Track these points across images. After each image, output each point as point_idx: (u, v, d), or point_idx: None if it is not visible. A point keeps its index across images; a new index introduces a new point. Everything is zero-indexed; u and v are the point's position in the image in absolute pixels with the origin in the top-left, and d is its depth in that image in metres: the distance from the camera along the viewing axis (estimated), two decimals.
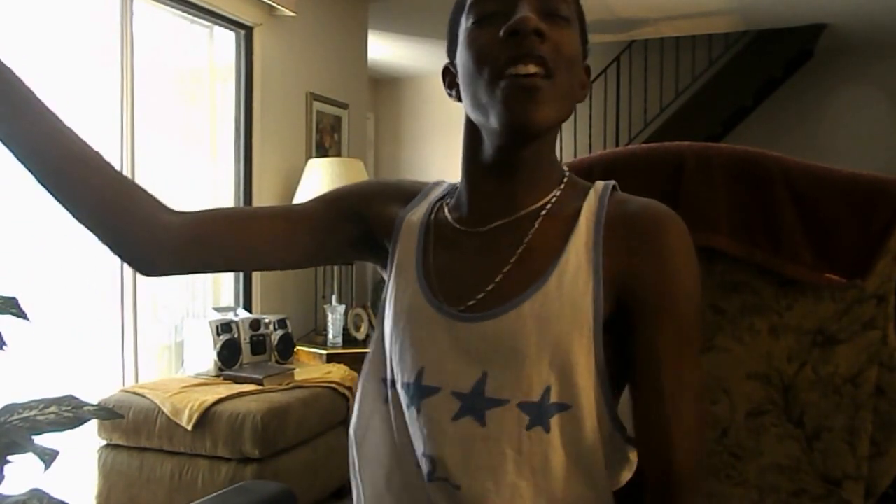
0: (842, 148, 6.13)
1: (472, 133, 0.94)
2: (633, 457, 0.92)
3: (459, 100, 0.94)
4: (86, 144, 0.89)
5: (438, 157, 6.87)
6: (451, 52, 0.96)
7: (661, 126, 6.49)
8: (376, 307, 4.60)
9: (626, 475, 0.92)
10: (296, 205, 1.05)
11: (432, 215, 0.98)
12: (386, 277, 1.00)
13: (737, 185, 1.13)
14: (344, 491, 3.11)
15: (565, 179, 0.96)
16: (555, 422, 0.86)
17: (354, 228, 1.02)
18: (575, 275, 0.87)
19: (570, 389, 0.86)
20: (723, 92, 6.35)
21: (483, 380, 0.87)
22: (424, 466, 0.89)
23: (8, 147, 0.84)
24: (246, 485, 1.30)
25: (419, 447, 0.90)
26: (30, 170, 0.85)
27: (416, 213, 1.00)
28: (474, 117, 0.91)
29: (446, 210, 0.98)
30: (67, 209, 0.88)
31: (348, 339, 3.79)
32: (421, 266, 0.95)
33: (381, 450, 0.95)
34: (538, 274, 0.88)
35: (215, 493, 1.17)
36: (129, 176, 2.98)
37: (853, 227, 1.08)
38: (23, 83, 0.84)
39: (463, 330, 0.89)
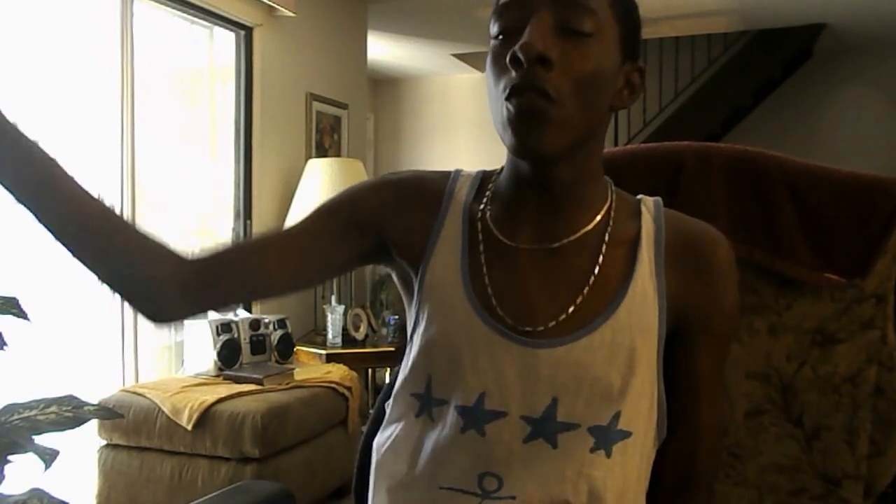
0: (841, 148, 6.13)
1: None
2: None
3: None
4: (93, 201, 0.87)
5: (438, 158, 6.87)
6: None
7: (661, 126, 6.49)
8: (375, 307, 4.60)
9: None
10: (304, 224, 0.97)
11: (475, 225, 0.93)
12: (413, 290, 0.95)
13: (736, 184, 1.13)
14: (344, 490, 3.11)
15: (613, 195, 0.94)
16: (617, 448, 0.86)
17: (368, 243, 0.96)
18: (643, 302, 0.88)
19: (634, 417, 0.87)
20: (722, 92, 6.35)
21: (554, 405, 0.86)
22: (486, 485, 0.87)
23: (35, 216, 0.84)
24: (245, 485, 1.30)
25: (479, 466, 0.87)
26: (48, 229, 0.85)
27: (450, 225, 0.94)
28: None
29: (489, 221, 0.93)
30: (77, 259, 0.88)
31: (348, 339, 3.80)
32: (469, 283, 0.90)
33: (401, 460, 0.93)
34: (607, 300, 0.88)
35: (214, 493, 1.17)
36: (129, 176, 2.99)
37: (852, 226, 1.08)
38: (43, 159, 0.82)
39: (531, 355, 0.87)
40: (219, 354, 3.01)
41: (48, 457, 1.59)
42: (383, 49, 5.81)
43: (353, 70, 4.65)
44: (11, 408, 1.64)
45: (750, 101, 6.44)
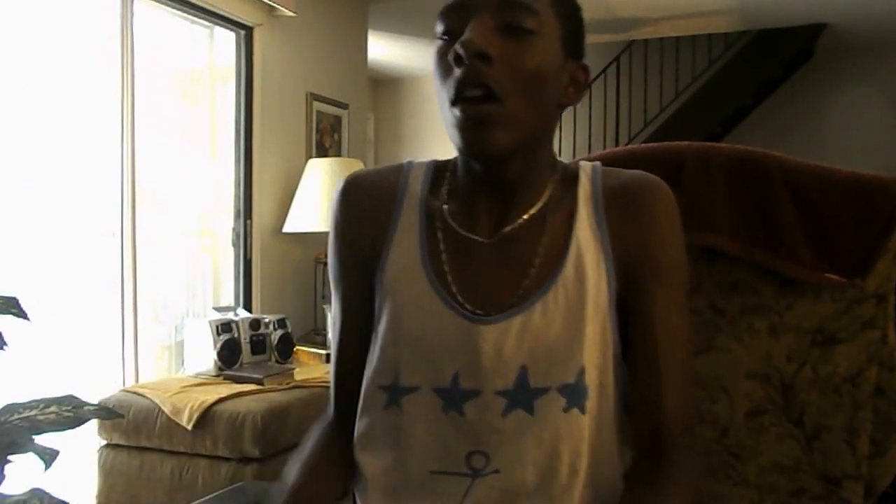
0: (842, 148, 6.13)
1: None
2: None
3: None
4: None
5: (438, 158, 6.87)
6: None
7: (661, 126, 6.49)
8: None
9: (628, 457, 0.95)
10: (349, 316, 1.00)
11: (433, 219, 0.96)
12: (375, 287, 0.97)
13: (737, 184, 1.13)
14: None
15: (558, 172, 0.97)
16: (589, 404, 0.89)
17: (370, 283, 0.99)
18: (586, 255, 0.91)
19: (601, 369, 0.90)
20: (723, 92, 6.35)
21: (524, 374, 0.89)
22: (475, 463, 0.90)
23: None
24: (244, 485, 1.30)
25: (465, 447, 0.90)
26: None
27: (407, 218, 0.97)
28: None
29: (447, 217, 0.95)
30: None
31: None
32: (431, 271, 0.93)
33: (384, 454, 0.94)
34: (554, 265, 0.91)
35: (213, 494, 1.17)
36: (129, 176, 2.98)
37: (853, 226, 1.08)
38: None
39: (493, 331, 0.89)
40: (219, 354, 3.01)
41: (48, 457, 1.59)
42: (383, 49, 5.81)
43: (353, 70, 4.65)
44: (11, 408, 1.64)
45: (750, 100, 6.44)
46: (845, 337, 1.08)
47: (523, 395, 0.89)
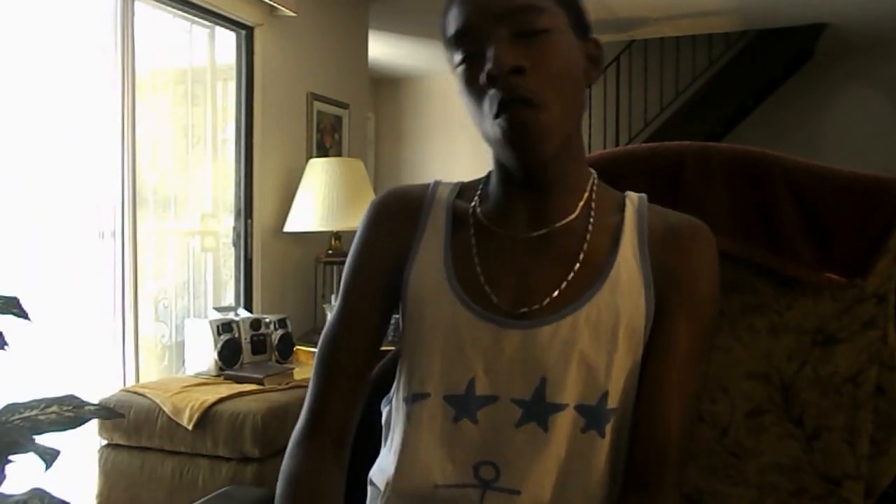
0: (842, 147, 6.13)
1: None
2: None
3: None
4: None
5: (439, 157, 6.88)
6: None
7: (661, 126, 6.49)
8: None
9: None
10: (359, 324, 0.98)
11: (465, 219, 0.96)
12: (400, 296, 0.96)
13: (737, 184, 1.13)
14: None
15: (595, 184, 0.97)
16: (609, 428, 0.87)
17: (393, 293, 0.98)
18: (627, 282, 0.90)
19: (622, 395, 0.88)
20: (723, 91, 6.35)
21: (542, 386, 0.87)
22: (484, 475, 0.87)
23: None
24: (229, 491, 1.29)
25: (473, 456, 0.88)
26: None
27: (433, 224, 0.97)
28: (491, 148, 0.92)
29: (480, 216, 0.95)
30: None
31: None
32: (453, 274, 0.92)
33: (388, 468, 0.93)
34: (592, 280, 0.90)
35: (199, 501, 1.16)
36: (130, 176, 2.98)
37: (853, 226, 1.08)
38: None
39: (519, 337, 0.88)
40: (219, 354, 3.01)
41: (49, 457, 1.59)
42: (384, 49, 5.81)
43: (353, 70, 4.65)
44: (12, 407, 1.64)
45: (751, 100, 6.44)
46: (845, 337, 1.08)
47: (539, 409, 0.87)
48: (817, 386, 1.09)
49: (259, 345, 3.21)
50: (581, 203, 0.94)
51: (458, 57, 0.89)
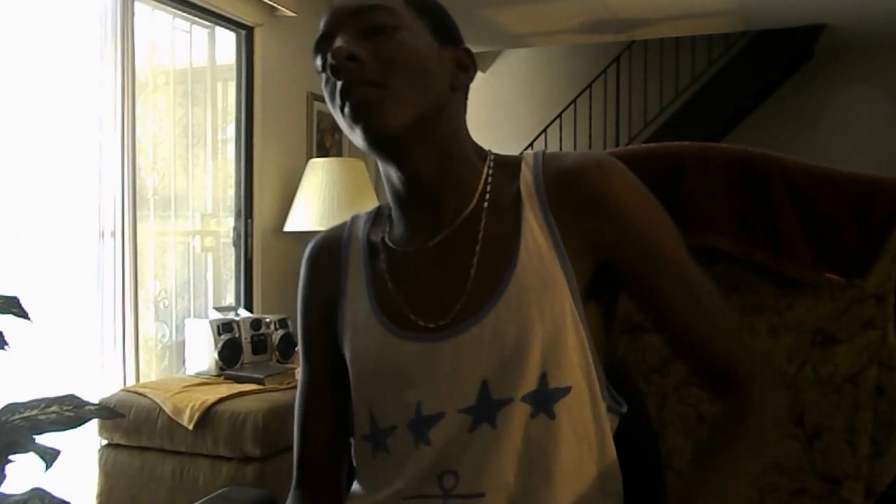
0: (841, 148, 6.13)
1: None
2: (614, 425, 0.93)
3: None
4: None
5: None
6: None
7: (661, 126, 6.49)
8: None
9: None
10: (311, 388, 1.10)
11: (376, 249, 0.98)
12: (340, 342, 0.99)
13: (737, 184, 1.13)
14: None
15: (491, 164, 0.95)
16: (559, 407, 0.86)
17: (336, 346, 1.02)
18: (538, 256, 0.88)
19: (566, 370, 0.86)
20: (723, 92, 6.36)
21: (485, 387, 0.87)
22: (446, 484, 0.88)
23: None
24: (226, 492, 1.30)
25: (435, 468, 0.88)
26: None
27: (354, 263, 0.99)
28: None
29: (387, 240, 0.97)
30: None
31: None
32: (377, 305, 0.94)
33: (363, 495, 0.96)
34: (504, 267, 0.88)
35: (197, 502, 1.17)
36: (130, 176, 2.98)
37: (853, 226, 1.08)
38: None
39: (447, 349, 0.88)
40: (220, 354, 3.01)
41: (49, 456, 1.59)
42: None
43: None
44: (12, 407, 1.64)
45: (750, 101, 6.45)
46: (845, 337, 1.08)
47: (487, 409, 0.87)
48: (817, 386, 1.09)
49: (259, 345, 3.21)
50: (477, 192, 0.93)
51: (318, 63, 0.92)
